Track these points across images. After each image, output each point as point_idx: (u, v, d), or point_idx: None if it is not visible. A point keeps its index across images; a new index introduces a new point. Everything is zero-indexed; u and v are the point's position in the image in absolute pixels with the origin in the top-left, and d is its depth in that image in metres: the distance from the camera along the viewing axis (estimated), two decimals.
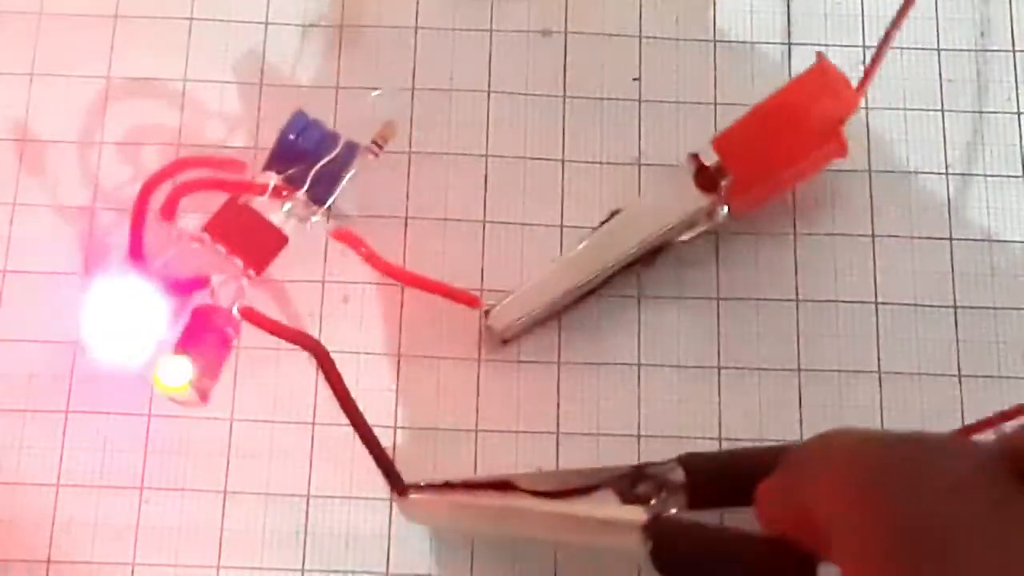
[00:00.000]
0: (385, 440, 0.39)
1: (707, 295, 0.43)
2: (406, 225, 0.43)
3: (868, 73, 0.42)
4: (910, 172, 0.44)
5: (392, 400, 0.41)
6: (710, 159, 0.41)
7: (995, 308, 0.43)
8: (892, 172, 0.44)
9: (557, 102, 0.45)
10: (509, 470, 0.40)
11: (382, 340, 0.42)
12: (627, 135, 0.44)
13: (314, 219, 0.41)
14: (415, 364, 0.42)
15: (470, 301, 0.41)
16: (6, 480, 0.41)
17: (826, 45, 0.45)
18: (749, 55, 0.45)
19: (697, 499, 0.38)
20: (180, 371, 0.38)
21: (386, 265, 0.41)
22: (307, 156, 0.40)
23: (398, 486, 0.38)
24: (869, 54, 0.44)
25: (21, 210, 0.43)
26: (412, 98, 0.45)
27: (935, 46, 0.45)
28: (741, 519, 0.36)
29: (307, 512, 0.40)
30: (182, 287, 0.41)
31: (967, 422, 0.41)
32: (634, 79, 0.45)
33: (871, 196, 0.44)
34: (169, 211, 0.41)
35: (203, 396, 0.39)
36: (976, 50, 0.45)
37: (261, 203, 0.41)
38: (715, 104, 0.45)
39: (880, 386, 0.42)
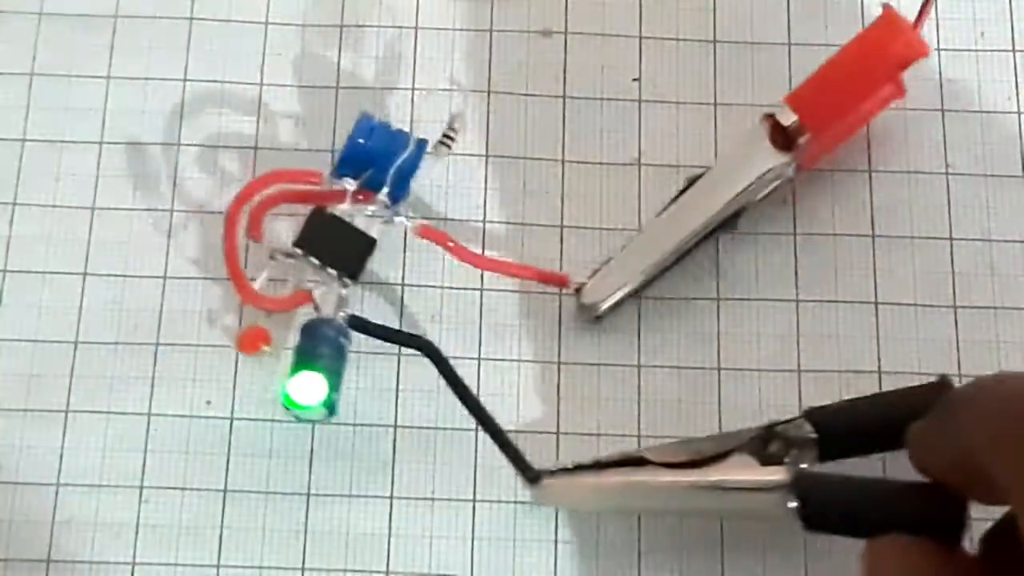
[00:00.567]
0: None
1: (707, 296, 0.43)
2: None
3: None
4: (910, 172, 0.44)
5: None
6: (787, 118, 0.41)
7: (995, 308, 0.43)
8: (892, 172, 0.44)
9: (557, 102, 0.45)
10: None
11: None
12: (627, 135, 0.45)
13: (397, 219, 0.41)
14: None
15: (559, 280, 0.42)
16: (6, 480, 0.41)
17: (826, 45, 0.45)
18: (749, 55, 0.45)
19: (827, 452, 0.38)
20: (314, 388, 0.38)
21: (473, 256, 0.42)
22: (378, 158, 0.41)
23: (530, 474, 0.38)
24: None
25: (21, 210, 0.43)
26: (412, 98, 0.45)
27: (935, 46, 0.45)
28: (867, 468, 0.37)
29: (307, 512, 0.40)
30: (284, 304, 0.41)
31: None
32: (634, 79, 0.45)
33: (871, 195, 0.44)
34: (256, 230, 0.41)
35: (331, 410, 0.39)
36: (976, 50, 0.45)
37: (342, 209, 0.41)
38: (715, 104, 0.45)
39: (880, 386, 0.42)
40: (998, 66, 0.45)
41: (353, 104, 0.44)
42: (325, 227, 0.40)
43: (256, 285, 0.41)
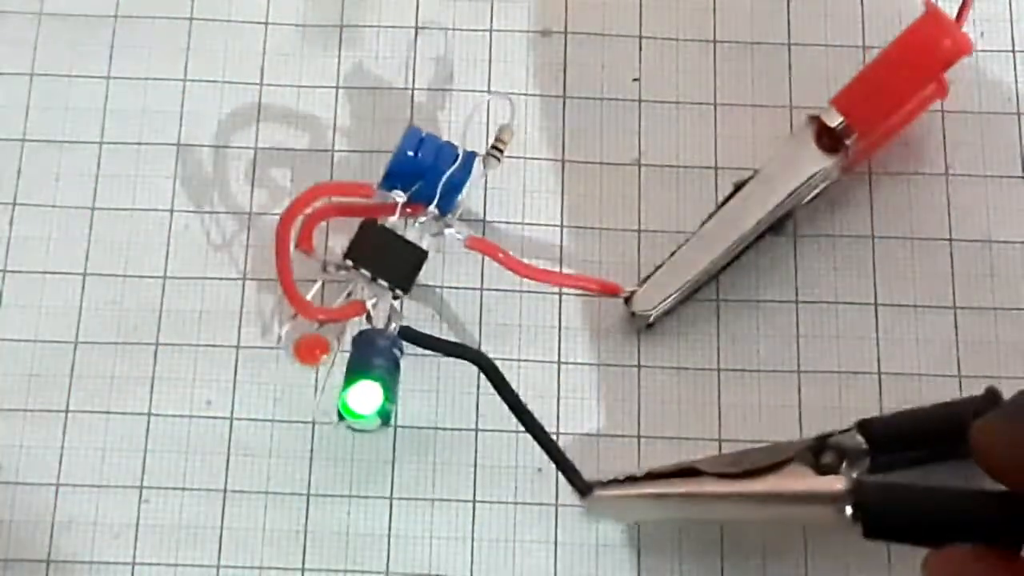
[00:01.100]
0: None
1: (707, 297, 0.43)
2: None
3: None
4: (910, 173, 0.44)
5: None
6: (833, 120, 0.41)
7: (995, 308, 0.43)
8: (892, 173, 0.44)
9: (557, 102, 0.45)
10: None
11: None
12: (627, 135, 0.45)
13: (447, 231, 0.41)
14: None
15: (613, 290, 0.42)
16: (6, 480, 0.41)
17: (826, 45, 0.45)
18: (749, 55, 0.45)
19: (878, 463, 0.38)
20: (372, 397, 0.38)
21: (525, 267, 0.41)
22: (427, 170, 0.40)
23: (581, 486, 0.38)
24: (869, 55, 0.44)
25: (21, 210, 0.43)
26: (412, 98, 0.45)
27: None
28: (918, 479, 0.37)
29: (307, 512, 0.40)
30: (338, 315, 0.41)
31: None
32: (634, 79, 0.45)
33: (871, 196, 0.44)
34: (307, 242, 0.41)
35: (386, 420, 0.39)
36: (976, 50, 0.45)
37: (392, 222, 0.40)
38: (715, 104, 0.45)
39: (880, 386, 0.42)
40: (998, 66, 0.45)
41: (353, 104, 0.44)
42: (376, 239, 0.40)
43: (307, 296, 0.40)
